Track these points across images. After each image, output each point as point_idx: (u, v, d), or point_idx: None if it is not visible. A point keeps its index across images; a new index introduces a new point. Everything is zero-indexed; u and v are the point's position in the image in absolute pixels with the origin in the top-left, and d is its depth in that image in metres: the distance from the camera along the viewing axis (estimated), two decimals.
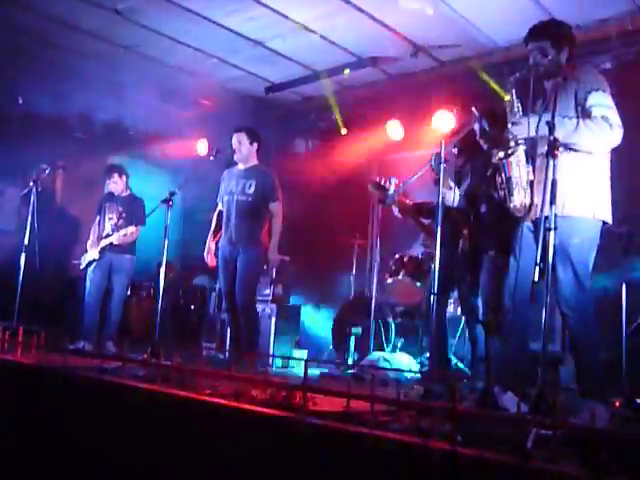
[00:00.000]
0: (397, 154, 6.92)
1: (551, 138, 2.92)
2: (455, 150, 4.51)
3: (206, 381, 3.35)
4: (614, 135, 3.26)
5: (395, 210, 4.74)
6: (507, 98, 3.39)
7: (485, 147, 4.39)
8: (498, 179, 3.43)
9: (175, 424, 3.04)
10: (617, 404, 3.55)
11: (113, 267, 6.21)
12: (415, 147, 6.91)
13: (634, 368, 4.51)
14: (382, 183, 4.55)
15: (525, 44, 3.54)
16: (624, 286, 4.53)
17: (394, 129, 7.24)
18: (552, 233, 2.86)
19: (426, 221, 4.86)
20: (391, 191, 4.49)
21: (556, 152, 2.89)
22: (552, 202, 2.85)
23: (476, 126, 4.26)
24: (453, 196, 4.39)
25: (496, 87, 5.86)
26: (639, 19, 5.50)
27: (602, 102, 3.29)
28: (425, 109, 6.87)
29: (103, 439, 3.33)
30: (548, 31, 3.48)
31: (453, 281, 4.58)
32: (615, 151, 3.44)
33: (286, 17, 6.05)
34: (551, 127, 2.94)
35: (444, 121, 6.66)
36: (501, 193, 3.43)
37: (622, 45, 5.67)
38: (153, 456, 3.05)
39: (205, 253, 5.40)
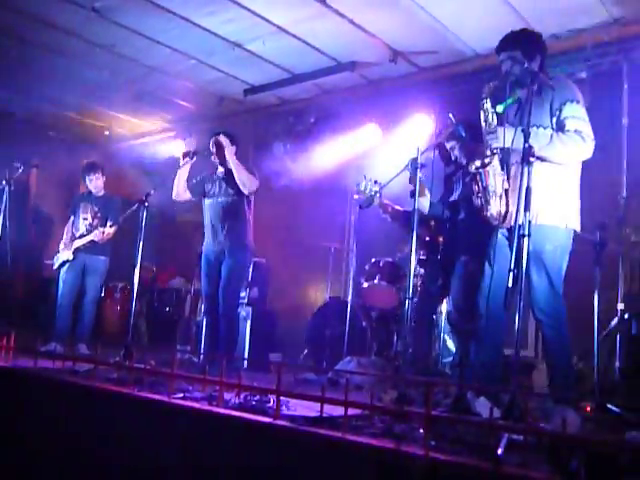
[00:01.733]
0: (375, 158, 6.93)
1: (526, 145, 2.96)
2: (453, 153, 4.53)
3: (179, 384, 3.33)
4: (586, 148, 3.33)
5: (380, 211, 4.76)
6: (484, 106, 3.42)
7: (458, 154, 4.43)
8: (475, 188, 3.47)
9: (147, 428, 3.01)
10: (588, 409, 3.59)
11: (87, 268, 6.14)
12: (393, 151, 6.93)
13: (605, 374, 4.57)
14: (365, 185, 4.58)
15: (497, 54, 3.58)
16: (596, 292, 4.58)
17: (372, 133, 7.27)
18: (526, 240, 2.89)
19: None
20: (375, 191, 4.51)
21: (531, 159, 2.93)
22: (526, 209, 2.88)
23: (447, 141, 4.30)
24: (426, 203, 4.42)
25: None
26: (614, 30, 5.59)
27: (576, 114, 3.35)
28: (403, 114, 6.91)
29: (74, 442, 3.29)
30: (519, 40, 3.53)
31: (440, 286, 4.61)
32: (589, 159, 3.49)
33: (266, 20, 6.04)
34: (526, 135, 2.97)
35: (421, 126, 6.70)
36: (478, 202, 3.47)
37: (597, 55, 5.75)
38: (125, 459, 3.01)
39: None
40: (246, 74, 7.39)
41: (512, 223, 3.33)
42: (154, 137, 8.99)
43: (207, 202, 5.29)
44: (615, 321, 4.68)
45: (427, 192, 4.37)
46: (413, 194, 3.81)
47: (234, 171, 5.07)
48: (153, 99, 8.05)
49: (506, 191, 3.38)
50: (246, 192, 5.11)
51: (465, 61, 6.41)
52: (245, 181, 5.08)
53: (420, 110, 6.74)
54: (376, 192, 4.52)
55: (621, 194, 5.30)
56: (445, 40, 6.11)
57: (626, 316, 4.64)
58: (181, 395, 3.12)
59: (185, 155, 5.28)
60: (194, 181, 5.35)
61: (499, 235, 3.49)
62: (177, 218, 8.38)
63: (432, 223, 4.67)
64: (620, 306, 4.69)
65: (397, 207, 4.75)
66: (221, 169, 5.29)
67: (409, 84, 6.92)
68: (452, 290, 4.31)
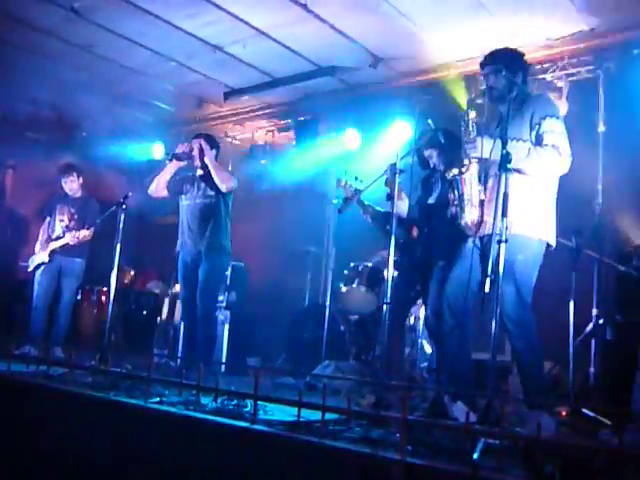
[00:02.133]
0: (354, 163, 6.96)
1: (504, 152, 2.99)
2: (432, 160, 4.55)
3: (156, 389, 3.30)
4: (563, 163, 3.38)
5: (361, 211, 4.77)
6: (466, 117, 3.46)
7: (436, 161, 4.46)
8: (451, 195, 3.50)
9: (123, 433, 2.98)
10: (564, 414, 3.63)
11: (62, 270, 6.07)
12: (372, 157, 6.96)
13: (581, 378, 4.63)
14: (347, 181, 4.59)
15: (481, 68, 3.65)
16: (572, 298, 4.64)
17: (352, 138, 7.29)
18: (503, 246, 2.92)
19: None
20: (355, 187, 4.52)
21: (508, 166, 2.96)
22: (504, 214, 2.91)
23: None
24: (404, 207, 4.44)
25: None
26: (590, 40, 5.67)
27: (554, 129, 3.41)
28: (383, 119, 6.95)
29: (48, 446, 3.25)
30: (502, 57, 3.60)
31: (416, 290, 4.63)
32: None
33: (246, 23, 6.03)
34: (504, 142, 3.01)
35: (401, 131, 6.74)
36: (453, 209, 3.50)
37: (574, 65, 5.84)
38: (101, 463, 2.98)
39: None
40: (226, 77, 7.37)
41: (485, 232, 3.38)
42: (133, 139, 8.92)
43: (184, 203, 5.25)
44: (590, 326, 4.73)
45: (404, 196, 4.39)
46: (389, 197, 3.82)
47: (213, 174, 5.04)
48: (132, 101, 8.00)
49: (482, 202, 3.42)
50: (224, 189, 5.05)
51: (444, 68, 6.46)
52: (225, 179, 5.04)
53: (400, 115, 6.78)
54: (356, 189, 4.53)
55: (597, 201, 5.38)
56: (425, 46, 6.14)
57: (601, 321, 4.70)
58: (158, 399, 3.10)
59: (177, 157, 5.22)
60: (175, 179, 5.31)
61: (470, 243, 3.51)
62: (156, 220, 8.32)
63: (410, 226, 4.68)
64: (595, 312, 4.75)
65: (377, 208, 4.77)
66: (200, 171, 5.27)
67: (389, 90, 6.96)
68: (430, 294, 4.33)
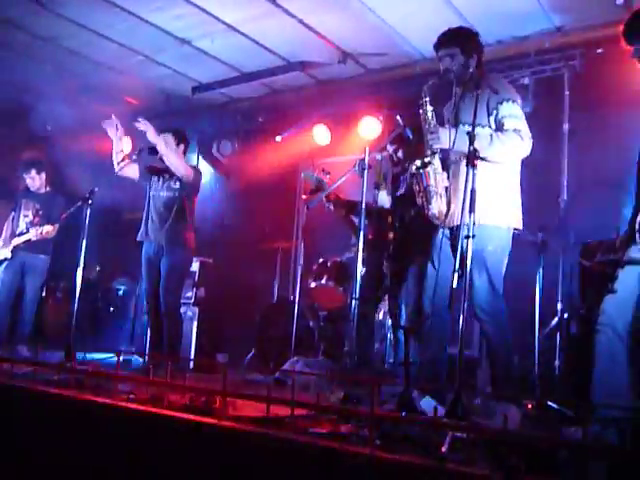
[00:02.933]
0: (323, 159, 6.96)
1: (471, 148, 3.01)
2: (397, 155, 4.56)
3: (123, 386, 3.27)
4: (525, 146, 3.40)
5: (324, 200, 4.76)
6: (424, 106, 3.46)
7: (402, 156, 4.48)
8: (416, 187, 3.51)
9: (90, 431, 2.94)
10: (530, 407, 3.68)
11: (26, 267, 5.96)
12: (341, 152, 6.97)
13: (546, 372, 4.70)
14: (317, 174, 4.59)
15: (436, 51, 3.63)
16: (537, 292, 4.72)
17: (321, 134, 7.29)
18: (470, 241, 2.94)
19: (356, 220, 4.91)
20: (320, 180, 4.52)
21: (475, 162, 2.98)
22: (471, 210, 2.93)
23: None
24: (387, 200, 4.46)
25: None
26: (556, 38, 5.75)
27: (513, 113, 3.42)
28: (352, 115, 6.96)
29: (13, 445, 3.19)
30: (457, 38, 3.60)
31: (384, 286, 4.64)
32: (531, 163, 3.59)
33: (215, 17, 5.99)
34: (471, 137, 3.03)
35: (370, 128, 6.76)
36: (419, 201, 3.51)
37: (540, 62, 5.91)
38: (67, 461, 2.94)
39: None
40: (194, 71, 7.32)
41: (454, 223, 3.40)
42: (99, 133, 8.78)
43: (150, 194, 5.21)
44: (555, 321, 4.81)
45: (384, 186, 4.42)
46: (377, 186, 3.82)
47: (165, 159, 4.95)
48: (98, 94, 7.87)
49: (446, 189, 3.42)
50: (183, 178, 5.00)
51: (413, 64, 6.49)
52: (180, 168, 4.98)
53: (369, 111, 6.80)
54: (322, 181, 4.52)
55: (562, 197, 5.47)
56: (394, 43, 6.18)
57: (565, 316, 4.78)
58: (125, 397, 3.07)
59: (143, 151, 5.16)
60: (146, 166, 5.25)
61: (440, 235, 3.53)
62: (123, 216, 8.22)
63: (390, 219, 4.68)
64: (560, 306, 4.83)
65: (343, 197, 4.76)
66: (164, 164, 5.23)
67: (358, 85, 6.97)
68: (405, 291, 4.34)
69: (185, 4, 5.76)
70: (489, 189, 3.36)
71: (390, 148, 4.52)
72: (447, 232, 3.51)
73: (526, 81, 5.90)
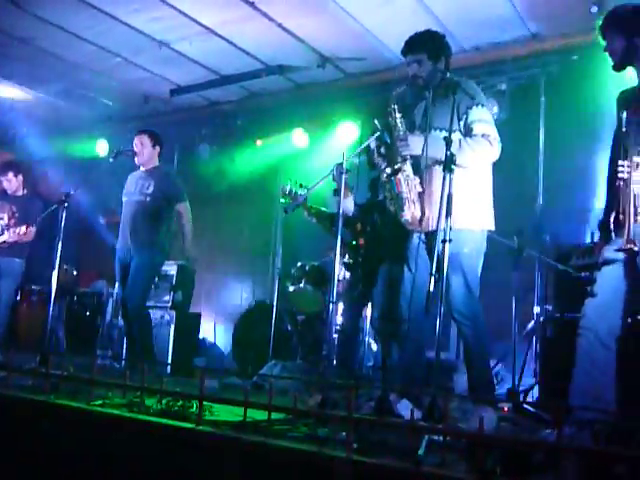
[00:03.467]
0: (302, 162, 6.97)
1: (448, 153, 3.03)
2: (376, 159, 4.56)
3: (99, 391, 3.23)
4: (494, 151, 3.43)
5: (305, 213, 4.77)
6: (392, 114, 3.47)
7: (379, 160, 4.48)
8: (388, 195, 3.52)
9: (65, 437, 2.90)
10: (506, 409, 3.71)
11: (1, 271, 5.87)
12: (319, 156, 6.98)
13: (522, 375, 4.75)
14: (291, 189, 4.57)
15: (403, 57, 3.64)
16: (514, 297, 4.76)
17: (299, 137, 7.30)
18: (447, 245, 2.96)
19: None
20: (300, 194, 4.51)
21: (452, 166, 3.00)
22: (448, 215, 2.95)
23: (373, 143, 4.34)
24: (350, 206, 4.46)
25: None
26: (532, 45, 5.83)
27: (482, 117, 3.45)
28: (330, 119, 6.98)
29: None
30: (423, 43, 3.59)
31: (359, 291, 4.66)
32: (507, 168, 3.63)
33: (193, 20, 5.97)
34: (448, 142, 3.05)
35: (348, 132, 6.79)
36: (392, 208, 3.52)
37: (516, 69, 5.99)
38: (42, 468, 2.90)
39: None
40: (173, 74, 7.27)
41: (428, 228, 3.42)
42: (76, 136, 8.70)
43: (124, 199, 5.18)
44: (531, 324, 4.86)
45: (350, 194, 4.40)
46: (337, 192, 3.82)
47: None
48: (75, 96, 7.81)
49: (420, 195, 3.44)
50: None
51: (391, 69, 6.51)
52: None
53: (347, 115, 6.83)
54: (301, 195, 4.52)
55: (538, 201, 5.53)
56: (372, 47, 6.20)
57: (542, 319, 4.83)
58: (100, 402, 3.03)
59: (120, 154, 5.15)
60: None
61: (417, 240, 3.54)
62: (100, 219, 8.15)
63: (358, 226, 4.71)
64: (536, 309, 4.88)
65: (322, 209, 4.77)
66: (142, 169, 5.21)
67: (337, 90, 6.99)
68: (376, 293, 4.36)
69: (163, 6, 5.73)
70: (462, 193, 3.38)
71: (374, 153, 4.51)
72: (422, 237, 3.52)
73: (503, 87, 5.97)
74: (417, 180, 3.44)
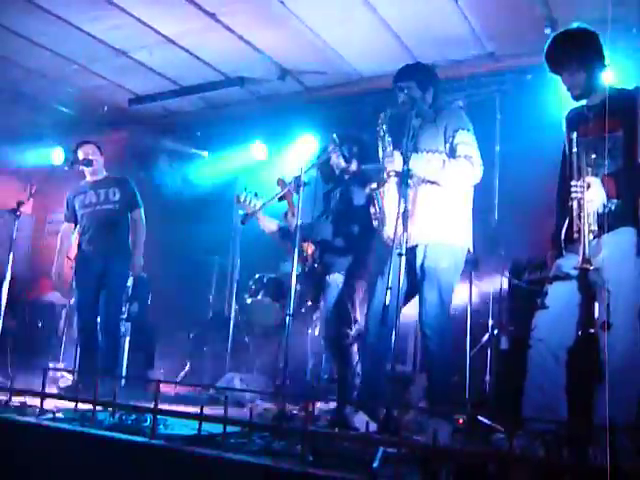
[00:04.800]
0: (261, 174, 6.96)
1: (404, 168, 3.09)
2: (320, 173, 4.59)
3: (49, 405, 3.16)
4: (475, 173, 3.54)
5: (261, 225, 4.75)
6: (380, 134, 3.56)
7: (341, 173, 4.51)
8: (372, 209, 3.59)
9: (14, 452, 2.82)
10: (461, 422, 3.75)
11: None
12: (279, 169, 6.99)
13: (476, 388, 4.81)
14: (245, 197, 4.55)
15: (394, 83, 3.75)
16: (469, 310, 4.83)
17: (258, 150, 7.31)
18: (403, 259, 3.01)
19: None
20: (255, 203, 4.50)
21: (410, 182, 3.06)
22: (404, 230, 3.00)
23: (334, 156, 4.37)
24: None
25: None
26: (488, 63, 5.97)
27: (466, 140, 3.57)
28: (290, 132, 7.01)
29: None
30: (413, 73, 3.74)
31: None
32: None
33: (153, 29, 5.92)
34: (405, 158, 3.12)
35: (307, 145, 6.82)
36: (375, 223, 3.59)
37: (473, 86, 6.12)
38: None
39: (54, 272, 5.10)
40: (131, 83, 7.19)
41: (409, 244, 3.47)
42: (31, 144, 8.53)
43: (83, 211, 5.09)
44: (486, 337, 4.94)
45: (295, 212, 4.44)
46: (286, 214, 3.87)
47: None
48: (30, 103, 7.66)
49: (402, 213, 3.49)
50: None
51: (351, 83, 6.59)
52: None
53: (306, 129, 6.86)
54: (255, 205, 4.50)
55: (493, 216, 5.64)
56: (332, 62, 6.26)
57: (495, 332, 4.92)
58: (51, 416, 2.97)
59: (76, 163, 5.08)
60: (66, 212, 5.20)
61: (394, 255, 3.58)
62: (53, 228, 7.98)
63: (305, 245, 4.69)
64: (490, 322, 4.96)
65: (275, 221, 4.77)
66: (90, 178, 5.14)
67: (296, 103, 7.03)
68: (329, 306, 4.36)
69: (122, 15, 5.67)
70: (443, 210, 3.50)
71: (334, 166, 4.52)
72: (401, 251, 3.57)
73: (460, 104, 6.07)
74: (400, 200, 3.51)
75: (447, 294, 3.51)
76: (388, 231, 3.51)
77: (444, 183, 3.49)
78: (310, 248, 4.38)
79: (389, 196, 3.54)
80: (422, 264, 3.44)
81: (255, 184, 4.81)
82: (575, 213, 2.79)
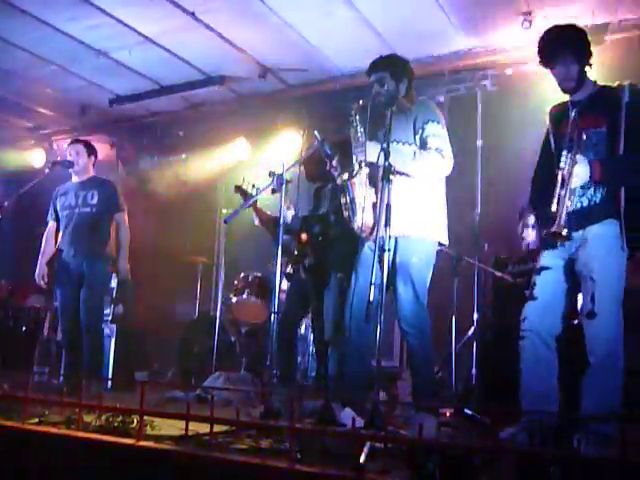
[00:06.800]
0: (244, 173, 6.94)
1: (386, 164, 3.10)
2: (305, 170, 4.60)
3: (35, 409, 3.13)
4: (445, 165, 3.55)
5: (256, 219, 4.76)
6: (353, 124, 3.55)
7: (328, 169, 4.52)
8: (343, 200, 3.58)
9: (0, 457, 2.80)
10: (447, 415, 3.78)
11: None
12: (261, 166, 6.97)
13: (463, 380, 4.85)
14: (245, 187, 4.61)
15: (368, 75, 3.75)
16: (454, 303, 4.86)
17: (241, 148, 7.29)
18: (386, 254, 3.01)
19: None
20: (251, 195, 4.54)
21: (391, 177, 3.07)
22: (387, 224, 3.01)
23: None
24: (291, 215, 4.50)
25: None
26: (469, 58, 6.00)
27: (437, 133, 3.56)
28: (272, 130, 7.00)
29: None
30: (388, 64, 3.73)
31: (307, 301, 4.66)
32: (446, 178, 3.71)
33: (132, 29, 5.89)
34: (386, 153, 3.12)
35: (289, 142, 6.82)
36: (345, 213, 3.58)
37: (454, 81, 6.15)
38: None
39: (37, 274, 5.07)
40: (112, 83, 7.15)
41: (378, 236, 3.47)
42: (10, 146, 8.45)
43: (64, 213, 5.06)
44: (471, 330, 4.97)
45: (292, 205, 4.46)
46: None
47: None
48: (9, 105, 7.58)
49: (374, 204, 3.49)
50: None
51: (332, 80, 6.59)
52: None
53: (289, 126, 6.85)
54: (251, 195, 4.53)
55: (476, 210, 5.67)
56: (313, 59, 6.26)
57: (481, 325, 4.95)
58: (36, 420, 2.94)
59: (57, 164, 5.06)
60: (50, 211, 5.15)
61: (366, 249, 3.59)
62: (35, 231, 7.91)
63: (303, 237, 4.71)
64: (475, 315, 4.99)
65: (269, 213, 4.79)
66: (76, 179, 5.10)
67: (278, 100, 7.02)
68: (326, 304, 4.37)
69: (101, 15, 5.63)
70: (414, 203, 3.50)
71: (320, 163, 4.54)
72: (372, 245, 3.57)
73: (441, 99, 6.11)
74: (371, 191, 3.51)
75: (421, 288, 3.52)
76: (359, 221, 3.51)
77: (414, 175, 3.48)
78: (305, 237, 4.41)
79: (360, 186, 3.52)
80: (394, 260, 3.44)
81: (238, 182, 4.81)
82: (559, 183, 2.80)
